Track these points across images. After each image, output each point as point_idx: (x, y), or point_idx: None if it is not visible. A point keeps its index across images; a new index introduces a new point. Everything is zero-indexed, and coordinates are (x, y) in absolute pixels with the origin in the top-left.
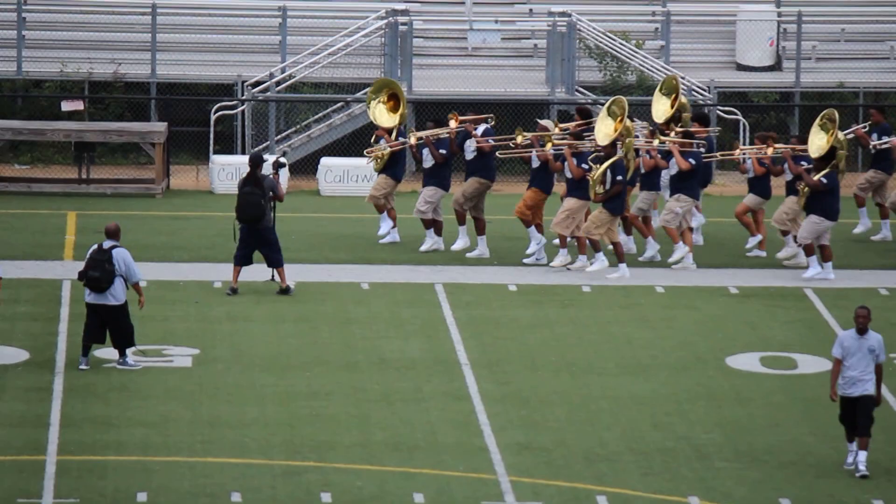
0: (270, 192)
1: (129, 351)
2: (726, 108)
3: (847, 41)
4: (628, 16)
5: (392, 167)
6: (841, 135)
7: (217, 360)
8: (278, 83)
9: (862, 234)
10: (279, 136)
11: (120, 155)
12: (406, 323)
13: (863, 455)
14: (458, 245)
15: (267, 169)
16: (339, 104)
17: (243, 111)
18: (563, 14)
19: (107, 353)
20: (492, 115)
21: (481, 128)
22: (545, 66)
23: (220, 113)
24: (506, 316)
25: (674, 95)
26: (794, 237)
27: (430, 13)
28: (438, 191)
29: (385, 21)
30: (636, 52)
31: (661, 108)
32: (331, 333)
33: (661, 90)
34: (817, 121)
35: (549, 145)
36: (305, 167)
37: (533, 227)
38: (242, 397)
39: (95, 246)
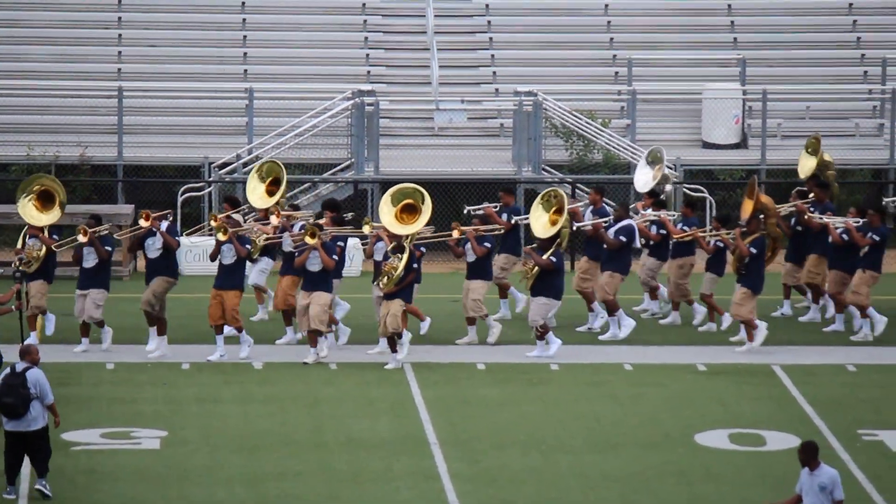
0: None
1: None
2: (693, 186)
3: (812, 119)
4: (594, 95)
5: (45, 268)
6: (566, 214)
7: (185, 441)
8: (245, 164)
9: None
10: (246, 217)
11: None
12: (375, 402)
13: None
14: (151, 347)
15: None
16: (305, 185)
17: (210, 192)
18: (529, 93)
19: (75, 436)
20: (171, 210)
21: (164, 224)
22: (511, 146)
23: (188, 195)
24: (474, 394)
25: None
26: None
27: (397, 93)
28: (104, 292)
29: (351, 102)
30: (602, 131)
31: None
32: (299, 414)
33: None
34: (539, 200)
35: (310, 239)
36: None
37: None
38: (211, 479)
39: (8, 369)
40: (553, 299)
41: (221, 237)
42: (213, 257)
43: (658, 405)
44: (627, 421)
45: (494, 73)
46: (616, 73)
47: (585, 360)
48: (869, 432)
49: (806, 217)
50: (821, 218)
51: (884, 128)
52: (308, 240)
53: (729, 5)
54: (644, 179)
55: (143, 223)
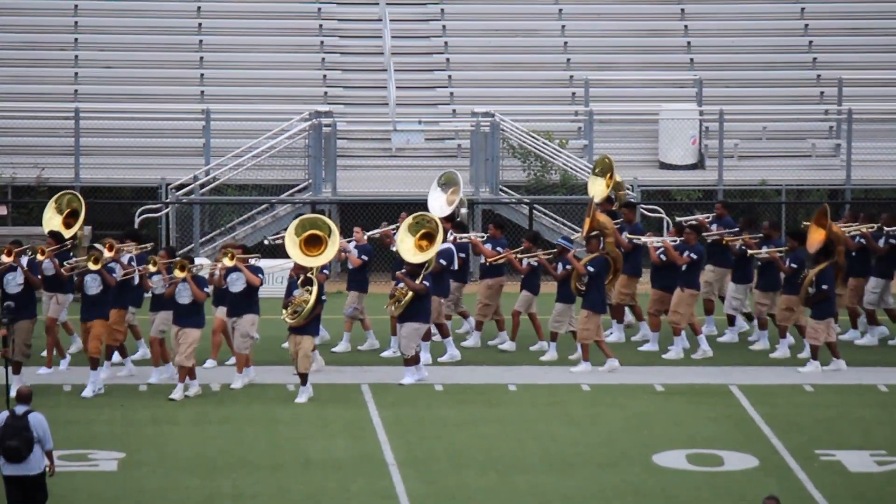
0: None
1: None
2: (650, 206)
3: (769, 139)
4: (551, 115)
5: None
6: (440, 241)
7: (142, 463)
8: (202, 185)
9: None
10: (203, 239)
11: None
12: (331, 423)
13: None
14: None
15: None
16: (263, 206)
17: (168, 214)
18: (486, 114)
19: None
20: (32, 244)
21: (24, 260)
22: (469, 166)
23: (145, 216)
24: (432, 415)
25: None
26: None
27: (354, 114)
28: None
29: (309, 123)
30: (560, 152)
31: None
32: (256, 434)
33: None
34: (409, 221)
35: (180, 272)
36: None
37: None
38: (168, 501)
39: (7, 412)
40: (423, 323)
41: (93, 266)
42: (78, 287)
43: (615, 425)
44: (585, 441)
45: (452, 93)
46: (573, 93)
47: (543, 380)
48: (826, 452)
49: (619, 237)
50: (637, 239)
51: (840, 148)
52: (177, 273)
53: (685, 26)
54: (438, 204)
55: (4, 259)
